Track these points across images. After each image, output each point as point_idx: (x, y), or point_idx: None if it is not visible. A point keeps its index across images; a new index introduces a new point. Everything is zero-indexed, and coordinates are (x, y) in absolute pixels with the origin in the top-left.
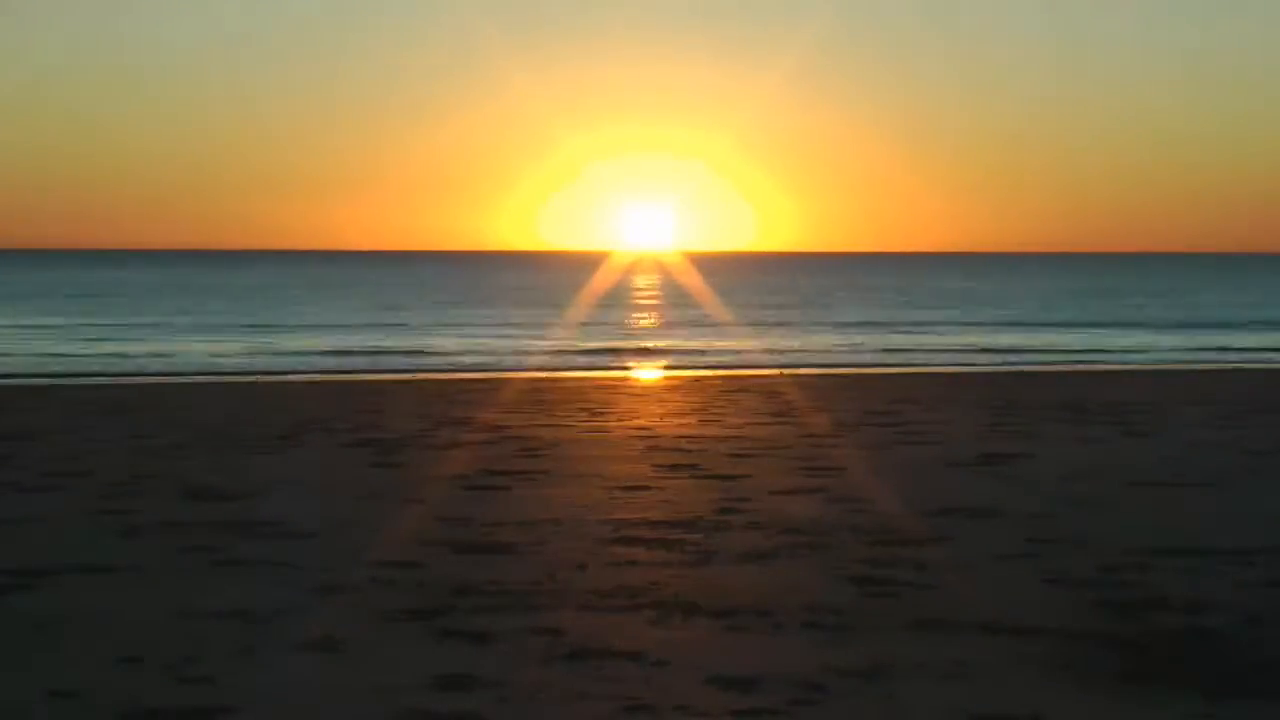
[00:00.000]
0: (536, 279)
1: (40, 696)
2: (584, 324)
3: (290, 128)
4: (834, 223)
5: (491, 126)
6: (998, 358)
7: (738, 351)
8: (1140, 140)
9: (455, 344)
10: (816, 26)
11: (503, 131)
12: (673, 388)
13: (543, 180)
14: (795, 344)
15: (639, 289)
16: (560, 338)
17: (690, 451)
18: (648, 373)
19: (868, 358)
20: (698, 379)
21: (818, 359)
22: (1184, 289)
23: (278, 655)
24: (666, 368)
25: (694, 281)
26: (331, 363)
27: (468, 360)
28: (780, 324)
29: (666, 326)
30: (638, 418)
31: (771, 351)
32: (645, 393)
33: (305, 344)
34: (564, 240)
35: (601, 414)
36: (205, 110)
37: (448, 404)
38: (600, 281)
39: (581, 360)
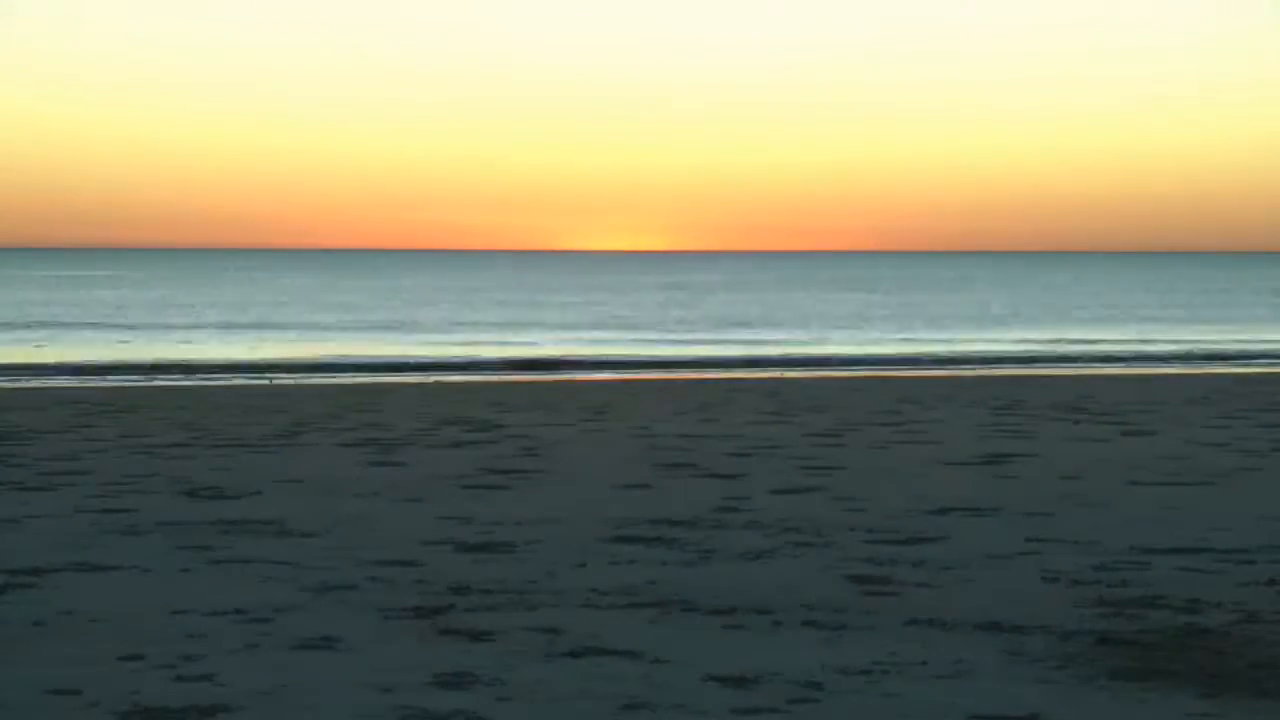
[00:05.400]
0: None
1: (40, 694)
2: None
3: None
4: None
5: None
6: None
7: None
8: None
9: None
10: None
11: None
12: (671, 387)
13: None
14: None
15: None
16: None
17: (689, 450)
18: (647, 372)
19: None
20: (698, 379)
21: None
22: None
23: (277, 653)
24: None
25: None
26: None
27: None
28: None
29: None
30: (637, 417)
31: None
32: (644, 392)
33: None
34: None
35: (601, 413)
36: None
37: (448, 403)
38: None
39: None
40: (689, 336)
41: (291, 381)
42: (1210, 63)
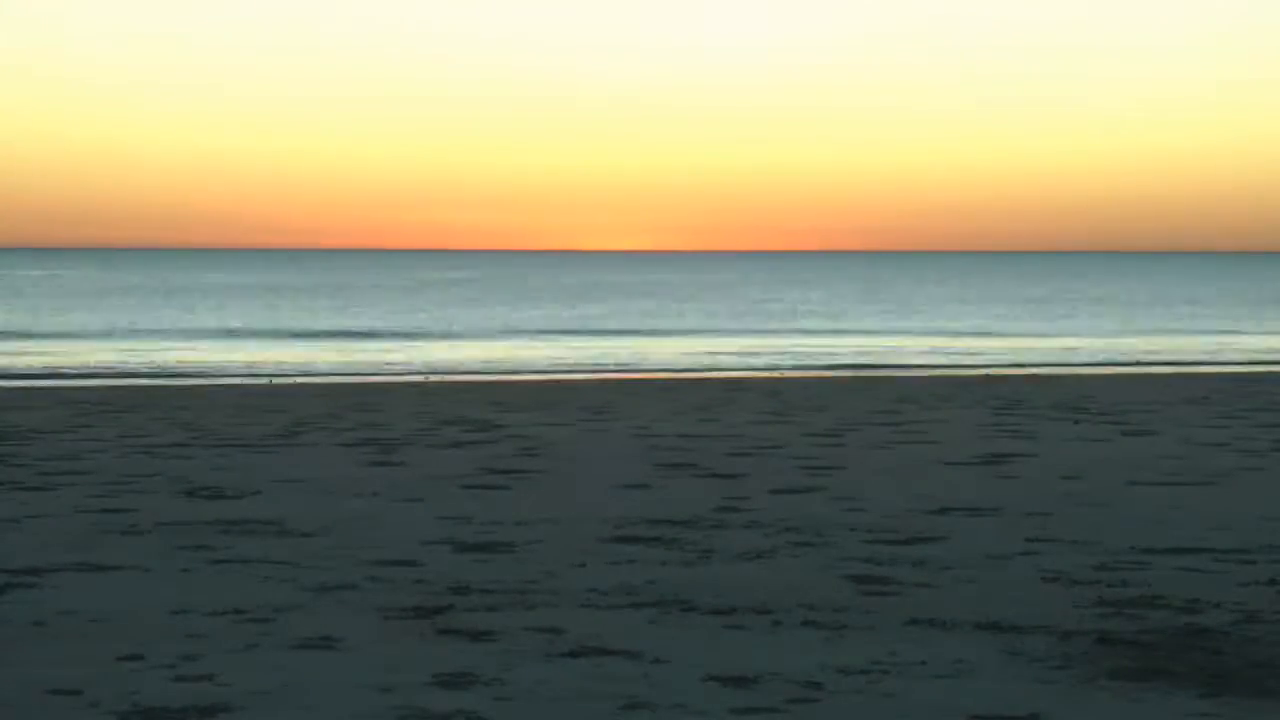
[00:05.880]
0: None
1: (40, 694)
2: None
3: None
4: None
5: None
6: None
7: None
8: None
9: None
10: None
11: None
12: (671, 387)
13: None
14: None
15: None
16: None
17: (689, 450)
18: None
19: None
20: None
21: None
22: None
23: (277, 653)
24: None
25: None
26: None
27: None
28: None
29: None
30: (637, 417)
31: None
32: (644, 392)
33: None
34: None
35: (601, 413)
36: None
37: (447, 403)
38: None
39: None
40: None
41: (290, 381)
42: (1210, 63)
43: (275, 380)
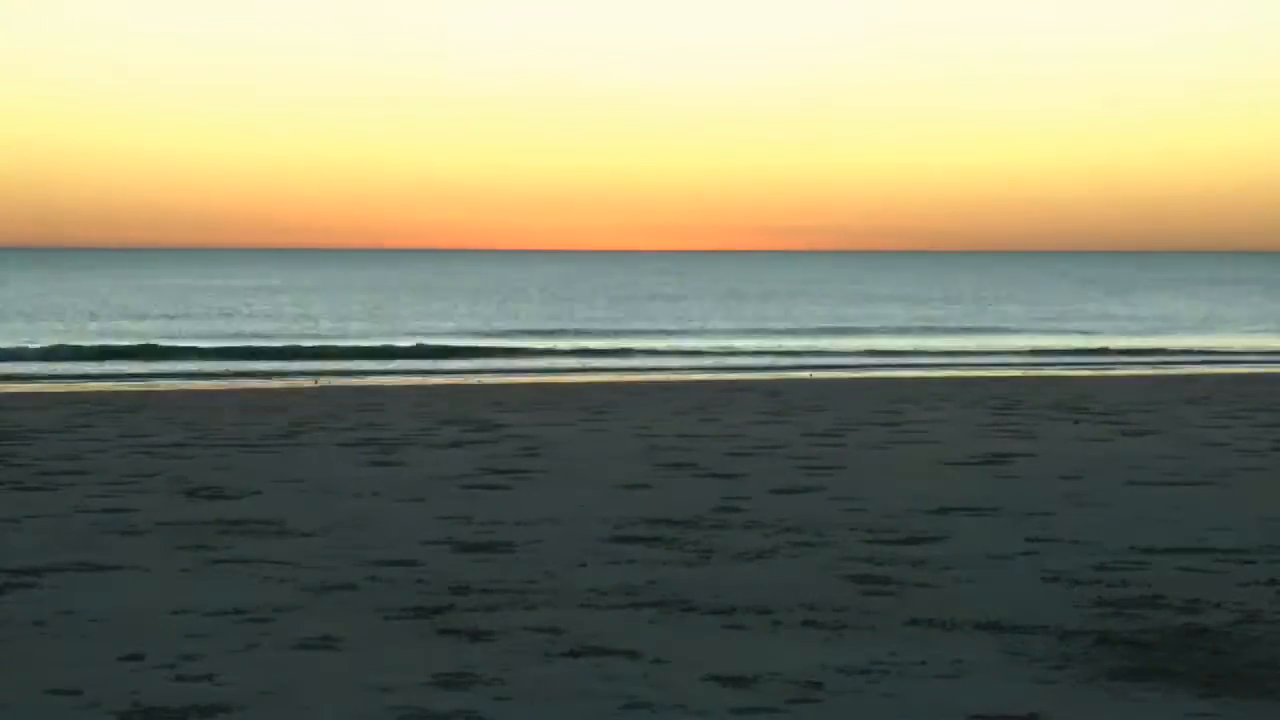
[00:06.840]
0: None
1: (40, 694)
2: None
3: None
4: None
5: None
6: None
7: None
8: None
9: None
10: None
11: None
12: (671, 387)
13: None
14: None
15: None
16: None
17: (689, 450)
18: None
19: None
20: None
21: None
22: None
23: (277, 653)
24: None
25: None
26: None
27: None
28: None
29: None
30: (637, 417)
31: None
32: (644, 392)
33: None
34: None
35: (601, 413)
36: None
37: (447, 403)
38: None
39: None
40: None
41: (334, 383)
42: (1210, 63)
43: (320, 381)
